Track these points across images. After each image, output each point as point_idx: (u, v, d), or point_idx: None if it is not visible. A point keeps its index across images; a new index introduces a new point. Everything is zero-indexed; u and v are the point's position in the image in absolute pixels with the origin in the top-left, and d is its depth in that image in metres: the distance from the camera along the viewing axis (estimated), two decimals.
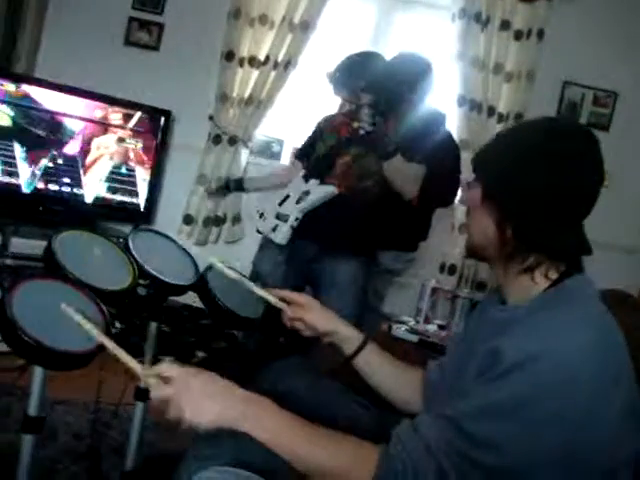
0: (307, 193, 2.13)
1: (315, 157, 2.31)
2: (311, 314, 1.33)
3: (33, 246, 2.66)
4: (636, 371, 0.98)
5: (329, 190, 2.11)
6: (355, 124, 2.13)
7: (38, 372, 1.26)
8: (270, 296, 1.39)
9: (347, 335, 1.33)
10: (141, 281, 1.40)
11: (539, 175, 0.97)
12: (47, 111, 2.91)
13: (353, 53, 2.52)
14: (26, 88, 2.85)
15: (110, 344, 1.06)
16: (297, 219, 2.13)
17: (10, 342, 1.01)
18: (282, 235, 2.14)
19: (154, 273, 1.42)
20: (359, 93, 2.32)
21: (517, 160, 1.00)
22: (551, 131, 1.03)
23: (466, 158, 2.90)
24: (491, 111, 3.23)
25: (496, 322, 1.04)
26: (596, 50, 3.25)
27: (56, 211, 2.95)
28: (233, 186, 2.99)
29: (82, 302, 1.18)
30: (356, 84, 2.34)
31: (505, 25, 3.19)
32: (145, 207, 3.25)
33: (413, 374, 1.32)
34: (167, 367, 0.98)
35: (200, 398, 0.94)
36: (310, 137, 2.43)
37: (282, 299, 1.37)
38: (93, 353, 1.10)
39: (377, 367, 1.32)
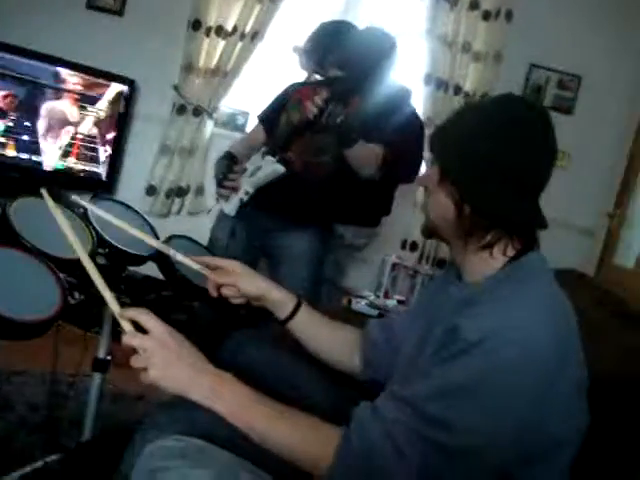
0: (259, 168, 2.12)
1: (278, 132, 2.29)
2: (239, 279, 1.30)
3: None
4: (585, 350, 1.01)
5: (278, 169, 2.10)
6: (309, 107, 2.11)
7: None
8: (193, 263, 1.35)
9: (279, 299, 1.31)
10: (100, 250, 1.38)
11: (496, 152, 0.98)
12: (5, 74, 2.82)
13: (325, 22, 2.49)
14: None
15: (90, 267, 1.04)
16: (247, 193, 2.12)
17: None
18: (231, 206, 2.14)
19: (113, 242, 1.40)
20: (327, 66, 2.31)
21: (473, 138, 1.00)
22: (507, 109, 1.03)
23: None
24: (457, 90, 3.24)
25: (454, 300, 1.05)
26: (562, 33, 3.27)
27: (13, 178, 2.88)
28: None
29: (39, 270, 1.16)
30: (325, 56, 2.32)
31: (474, 4, 3.18)
32: (107, 177, 3.20)
33: (351, 333, 1.33)
34: (147, 317, 0.97)
35: (171, 361, 0.94)
36: (274, 104, 2.40)
37: (208, 266, 1.34)
38: (49, 321, 1.09)
39: (313, 329, 1.32)
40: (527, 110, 1.03)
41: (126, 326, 0.98)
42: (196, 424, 0.88)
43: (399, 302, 2.50)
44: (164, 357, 0.94)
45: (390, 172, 2.20)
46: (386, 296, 2.53)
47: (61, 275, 1.18)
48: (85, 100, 3.04)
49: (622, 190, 3.34)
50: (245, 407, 0.94)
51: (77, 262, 1.23)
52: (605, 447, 1.03)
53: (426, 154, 2.40)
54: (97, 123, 3.10)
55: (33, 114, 2.93)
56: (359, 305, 2.39)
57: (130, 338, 0.95)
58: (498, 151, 0.98)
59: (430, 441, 0.87)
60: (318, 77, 2.45)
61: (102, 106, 3.10)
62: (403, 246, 3.37)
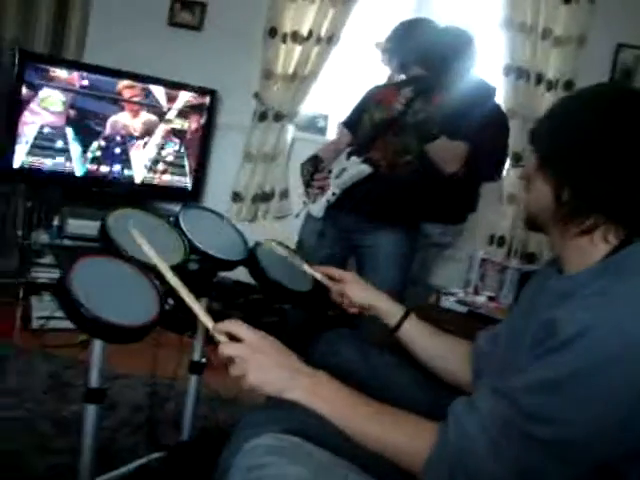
0: (344, 170, 2.14)
1: (361, 133, 2.31)
2: (352, 289, 1.39)
3: (88, 227, 2.75)
4: None
5: (363, 169, 2.12)
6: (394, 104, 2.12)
7: (97, 346, 1.31)
8: (316, 273, 1.45)
9: (388, 309, 1.38)
10: (192, 257, 1.43)
11: (596, 136, 0.96)
12: (97, 95, 2.97)
13: (403, 21, 2.48)
14: (77, 74, 2.91)
15: (180, 287, 1.09)
16: (334, 194, 2.15)
17: (72, 318, 1.06)
18: (318, 208, 2.18)
19: (204, 248, 1.45)
20: (408, 65, 2.31)
21: (575, 123, 0.99)
22: (608, 95, 1.01)
23: (514, 127, 2.86)
24: (539, 79, 3.15)
25: (553, 293, 1.02)
26: None
27: (108, 192, 3.03)
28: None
29: (136, 278, 1.22)
30: (405, 54, 2.32)
31: None
32: (193, 186, 3.31)
33: (458, 345, 1.34)
34: (238, 327, 1.02)
35: (267, 364, 0.98)
36: (357, 107, 2.42)
37: (327, 275, 1.43)
38: (149, 326, 1.14)
39: (420, 339, 1.35)
40: (627, 95, 1.00)
41: (220, 338, 1.03)
42: (293, 423, 0.90)
43: (489, 298, 2.46)
44: (260, 362, 0.98)
45: (474, 169, 2.18)
46: (475, 292, 2.49)
47: (157, 282, 1.23)
48: (170, 113, 3.16)
49: None
50: (343, 404, 0.97)
51: (170, 269, 1.30)
52: None
53: (512, 145, 2.35)
54: (182, 134, 3.22)
55: (121, 130, 3.07)
56: (448, 302, 2.37)
57: (225, 348, 1.00)
58: (595, 135, 0.96)
59: (527, 435, 0.86)
60: (400, 77, 2.45)
61: (187, 117, 3.21)
62: (490, 241, 3.31)
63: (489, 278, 2.54)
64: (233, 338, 1.02)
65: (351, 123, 2.40)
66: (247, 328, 1.03)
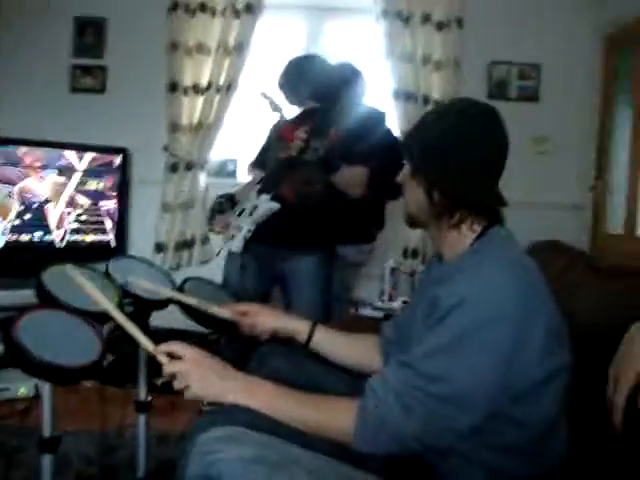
0: (255, 207, 2.30)
1: (268, 171, 2.46)
2: (259, 318, 1.54)
3: (16, 296, 2.77)
4: (565, 303, 1.17)
5: (272, 207, 2.26)
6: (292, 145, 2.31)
7: (47, 392, 1.40)
8: (224, 312, 1.56)
9: (296, 327, 1.53)
10: (125, 300, 1.54)
11: (456, 145, 1.18)
12: (10, 164, 3.02)
13: (292, 59, 2.59)
14: None
15: (121, 318, 1.23)
16: (249, 230, 2.29)
17: (21, 365, 1.15)
18: (236, 244, 2.31)
19: (134, 291, 1.56)
20: (301, 99, 2.49)
21: (435, 135, 1.20)
22: (460, 108, 1.24)
23: None
24: (426, 100, 3.43)
25: (435, 277, 1.25)
26: (514, 28, 3.47)
27: (31, 260, 3.05)
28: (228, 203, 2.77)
29: (79, 325, 1.32)
30: (298, 90, 2.48)
31: (426, 18, 3.39)
32: (116, 242, 3.38)
33: (368, 339, 1.52)
34: (177, 346, 1.17)
35: (206, 375, 1.13)
36: (263, 146, 2.59)
37: (238, 312, 1.56)
38: (95, 364, 1.24)
39: (331, 344, 1.51)
40: (474, 107, 1.23)
41: (162, 359, 1.16)
42: (235, 419, 1.03)
43: (404, 302, 2.66)
44: (199, 373, 1.14)
45: (376, 190, 2.37)
46: (390, 299, 2.69)
47: (95, 324, 1.34)
48: (82, 175, 3.23)
49: (599, 163, 3.50)
50: (275, 398, 1.13)
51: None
52: (591, 379, 1.17)
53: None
54: (99, 193, 3.29)
55: (37, 198, 3.12)
56: (366, 311, 2.55)
57: (168, 366, 1.15)
58: (455, 144, 1.18)
59: (429, 394, 1.04)
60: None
61: (101, 177, 3.29)
62: (405, 254, 3.52)
63: (402, 285, 2.75)
64: (174, 357, 1.15)
65: (260, 162, 2.56)
66: (184, 346, 1.17)
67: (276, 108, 2.38)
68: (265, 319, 1.53)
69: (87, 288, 1.32)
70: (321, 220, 2.37)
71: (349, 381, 1.44)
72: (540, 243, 1.72)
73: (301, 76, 2.49)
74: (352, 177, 2.31)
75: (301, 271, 2.38)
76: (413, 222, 1.31)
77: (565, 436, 1.16)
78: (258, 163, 2.60)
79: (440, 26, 3.40)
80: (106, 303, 1.28)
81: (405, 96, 3.41)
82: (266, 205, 2.27)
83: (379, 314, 2.52)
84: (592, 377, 1.16)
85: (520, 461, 1.12)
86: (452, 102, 1.32)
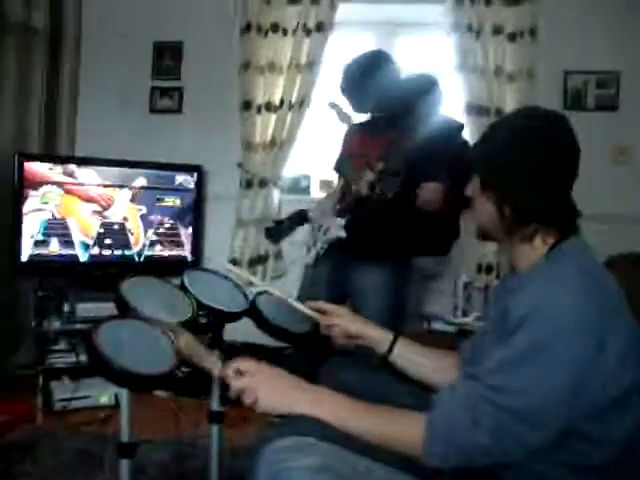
0: (328, 229, 2.32)
1: (343, 202, 2.46)
2: (343, 321, 1.53)
3: (96, 309, 2.91)
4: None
5: (341, 235, 2.30)
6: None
7: (125, 400, 1.45)
8: (305, 309, 1.59)
9: (378, 336, 1.52)
10: (200, 312, 1.58)
11: (524, 158, 1.15)
12: (91, 184, 3.17)
13: (359, 63, 2.54)
14: (70, 167, 3.12)
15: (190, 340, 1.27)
16: (322, 248, 2.32)
17: (101, 372, 1.20)
18: (310, 258, 2.35)
19: (209, 303, 1.60)
20: (365, 106, 2.48)
21: (502, 147, 1.19)
22: (526, 117, 1.22)
23: None
24: (499, 113, 3.36)
25: (507, 288, 1.23)
26: (590, 36, 3.37)
27: (111, 274, 3.19)
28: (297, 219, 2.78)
29: (156, 335, 1.37)
30: (364, 100, 2.48)
31: (497, 30, 3.34)
32: (192, 258, 3.48)
33: (448, 357, 1.48)
34: (244, 362, 1.20)
35: (273, 388, 1.15)
36: (341, 151, 2.64)
37: (317, 310, 1.58)
38: (170, 373, 1.28)
39: (411, 359, 1.48)
40: (541, 116, 1.20)
41: (229, 374, 1.20)
42: (305, 429, 1.04)
43: (477, 318, 2.61)
44: (267, 387, 1.16)
45: (452, 203, 2.34)
46: (464, 315, 2.65)
47: (171, 335, 1.38)
48: (162, 192, 3.36)
49: None
50: (344, 410, 1.13)
51: (184, 323, 1.45)
52: None
53: None
54: (176, 210, 3.41)
55: (117, 215, 3.26)
56: (438, 325, 2.52)
57: (236, 382, 1.18)
58: (523, 157, 1.15)
59: (498, 407, 1.02)
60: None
61: (178, 194, 3.41)
62: (479, 270, 3.46)
63: (475, 300, 2.70)
64: (240, 374, 1.18)
65: (338, 168, 2.59)
66: (252, 362, 1.20)
67: (344, 118, 2.39)
68: (350, 322, 1.53)
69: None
70: (388, 230, 2.36)
71: (418, 395, 1.42)
72: (621, 256, 1.66)
73: (369, 85, 2.45)
74: (432, 195, 2.29)
75: (369, 280, 2.39)
76: (485, 236, 1.29)
77: None
78: (337, 168, 2.64)
79: (512, 37, 3.34)
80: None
81: (478, 110, 3.36)
82: (336, 231, 2.31)
83: (452, 329, 2.49)
84: None
85: None
86: (518, 111, 1.30)
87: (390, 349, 1.49)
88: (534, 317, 1.02)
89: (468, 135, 3.27)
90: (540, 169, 1.14)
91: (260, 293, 1.74)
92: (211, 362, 1.24)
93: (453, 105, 3.36)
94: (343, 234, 2.28)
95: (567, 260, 1.12)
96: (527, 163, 1.14)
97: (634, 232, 3.14)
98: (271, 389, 1.15)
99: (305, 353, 2.46)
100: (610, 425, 1.04)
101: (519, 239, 1.18)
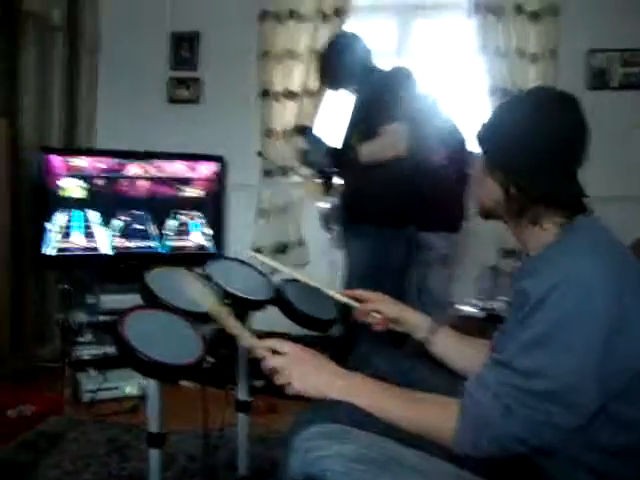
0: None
1: None
2: (382, 305, 1.50)
3: (121, 301, 2.91)
4: None
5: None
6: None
7: (153, 390, 1.45)
8: (339, 296, 1.56)
9: (417, 322, 1.49)
10: (225, 301, 1.57)
11: (531, 138, 1.13)
12: (112, 177, 3.18)
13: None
14: (91, 159, 3.13)
15: (227, 318, 1.28)
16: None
17: (129, 362, 1.20)
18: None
19: (234, 292, 1.59)
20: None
21: (509, 128, 1.16)
22: (534, 98, 1.19)
23: None
24: None
25: (522, 270, 1.19)
26: (613, 13, 3.28)
27: (136, 266, 3.19)
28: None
29: (182, 325, 1.36)
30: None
31: (519, 9, 3.27)
32: (215, 247, 3.48)
33: (483, 345, 1.44)
34: (278, 342, 1.18)
35: (308, 371, 1.14)
36: None
37: (353, 297, 1.54)
38: (197, 364, 1.27)
39: (450, 347, 1.45)
40: (550, 96, 1.18)
41: (265, 353, 1.17)
42: (338, 415, 1.03)
43: (506, 302, 2.57)
44: (301, 369, 1.14)
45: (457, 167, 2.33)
46: (491, 299, 2.62)
47: (199, 331, 1.37)
48: (183, 183, 3.36)
49: None
50: (377, 395, 1.11)
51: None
52: None
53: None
54: (198, 201, 3.41)
55: (140, 206, 3.27)
56: (466, 309, 2.49)
57: (270, 361, 1.16)
58: (530, 137, 1.13)
59: (528, 391, 0.99)
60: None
61: (200, 185, 3.41)
62: (504, 254, 3.41)
63: (502, 285, 2.66)
64: (276, 353, 1.16)
65: None
66: (286, 342, 1.18)
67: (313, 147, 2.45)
68: (388, 307, 1.50)
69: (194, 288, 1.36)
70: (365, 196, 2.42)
71: (450, 382, 1.40)
72: None
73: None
74: (392, 136, 2.28)
75: (347, 247, 2.50)
76: (487, 215, 1.27)
77: None
78: None
79: (535, 16, 3.27)
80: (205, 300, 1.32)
81: (502, 92, 3.29)
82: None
83: (481, 313, 2.46)
84: None
85: (632, 466, 1.04)
86: (526, 92, 1.26)
87: (428, 336, 1.46)
88: (551, 296, 0.99)
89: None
90: (547, 150, 1.12)
91: (286, 281, 1.73)
92: (246, 336, 1.23)
93: (475, 88, 3.32)
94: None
95: (581, 237, 1.09)
96: (534, 143, 1.12)
97: None
98: (304, 371, 1.13)
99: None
100: (636, 405, 1.01)
101: (527, 220, 1.16)
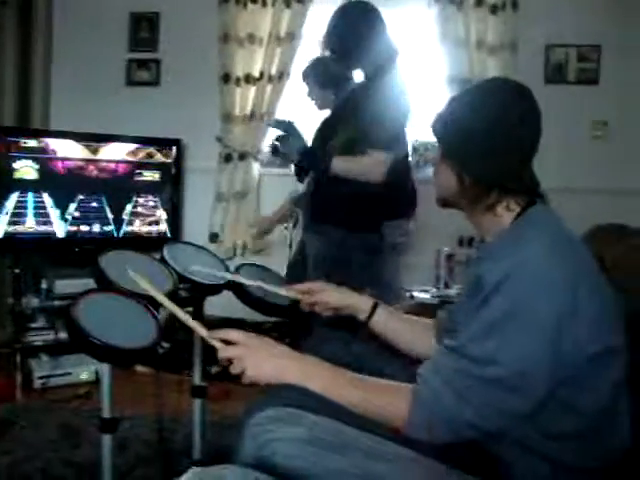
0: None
1: None
2: (325, 294, 1.52)
3: (75, 285, 2.86)
4: (622, 287, 1.13)
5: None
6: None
7: (106, 375, 1.43)
8: (283, 291, 1.58)
9: (359, 305, 1.51)
10: (181, 285, 1.56)
11: (484, 127, 1.15)
12: (67, 159, 3.11)
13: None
14: (45, 140, 3.06)
15: (176, 309, 1.25)
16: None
17: (82, 346, 1.18)
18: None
19: (191, 276, 1.58)
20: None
21: (463, 117, 1.18)
22: (488, 88, 1.22)
23: None
24: None
25: (478, 256, 1.24)
26: (572, 9, 3.34)
27: (90, 250, 3.14)
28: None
29: (137, 309, 1.34)
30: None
31: (479, 1, 3.31)
32: (171, 232, 3.44)
33: (425, 324, 1.49)
34: (231, 332, 1.17)
35: (261, 358, 1.14)
36: None
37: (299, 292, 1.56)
38: (151, 348, 1.26)
39: (390, 325, 1.49)
40: (503, 87, 1.21)
41: (217, 344, 1.17)
42: (290, 400, 1.03)
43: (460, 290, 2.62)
44: (255, 357, 1.14)
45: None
46: (446, 287, 2.66)
47: (151, 308, 1.36)
48: (140, 167, 3.31)
49: None
50: (331, 379, 1.12)
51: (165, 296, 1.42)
52: None
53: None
54: (154, 184, 3.36)
55: (95, 189, 3.21)
56: (420, 296, 2.53)
57: (223, 351, 1.15)
58: (483, 127, 1.15)
59: (481, 378, 1.02)
60: None
61: (156, 169, 3.36)
62: (460, 243, 3.46)
63: (457, 273, 2.71)
64: (228, 344, 1.16)
65: None
66: (238, 332, 1.18)
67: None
68: (330, 295, 1.52)
69: (146, 287, 1.34)
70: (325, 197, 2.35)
71: (402, 367, 1.42)
72: (603, 226, 1.67)
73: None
74: (377, 166, 2.19)
75: (308, 250, 2.42)
76: (445, 203, 1.29)
77: (627, 426, 1.10)
78: None
79: (494, 9, 3.31)
80: (161, 297, 1.30)
81: (460, 82, 3.32)
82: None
83: (434, 300, 2.50)
84: None
85: (578, 451, 1.07)
86: (481, 82, 1.29)
87: (370, 315, 1.49)
88: (504, 283, 1.01)
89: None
90: (500, 139, 1.14)
91: (242, 264, 1.73)
92: (198, 328, 1.22)
93: (434, 77, 3.35)
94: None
95: (535, 225, 1.13)
96: (487, 133, 1.14)
97: (611, 205, 3.16)
98: (259, 359, 1.13)
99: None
100: (586, 392, 1.04)
101: (482, 208, 1.19)
